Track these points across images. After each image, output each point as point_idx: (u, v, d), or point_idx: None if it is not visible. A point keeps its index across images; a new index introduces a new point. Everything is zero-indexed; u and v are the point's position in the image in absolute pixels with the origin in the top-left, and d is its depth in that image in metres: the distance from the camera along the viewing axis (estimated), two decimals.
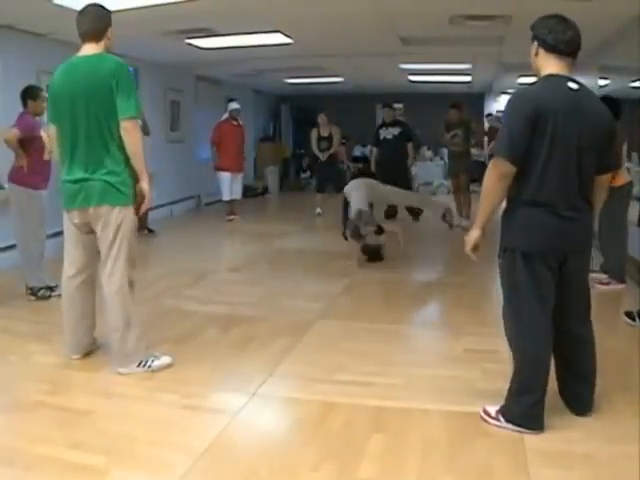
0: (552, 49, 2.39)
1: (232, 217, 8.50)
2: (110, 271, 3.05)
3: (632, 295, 4.53)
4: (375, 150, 8.51)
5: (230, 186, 8.47)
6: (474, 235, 2.51)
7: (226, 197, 8.57)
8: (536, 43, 2.44)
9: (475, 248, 2.54)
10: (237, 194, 8.66)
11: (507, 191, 2.41)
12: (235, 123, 8.55)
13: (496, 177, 2.36)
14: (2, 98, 5.23)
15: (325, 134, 8.83)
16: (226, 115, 8.59)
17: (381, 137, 8.34)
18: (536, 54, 2.45)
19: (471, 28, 5.68)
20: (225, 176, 8.45)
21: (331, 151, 8.84)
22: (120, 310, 3.06)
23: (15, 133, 4.23)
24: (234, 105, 8.59)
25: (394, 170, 8.22)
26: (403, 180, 8.32)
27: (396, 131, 8.22)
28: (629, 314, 3.87)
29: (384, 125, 8.39)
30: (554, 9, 2.49)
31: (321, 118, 8.82)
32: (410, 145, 8.23)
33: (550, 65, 2.41)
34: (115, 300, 3.06)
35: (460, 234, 7.28)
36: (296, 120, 13.73)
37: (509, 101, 2.45)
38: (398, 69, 9.15)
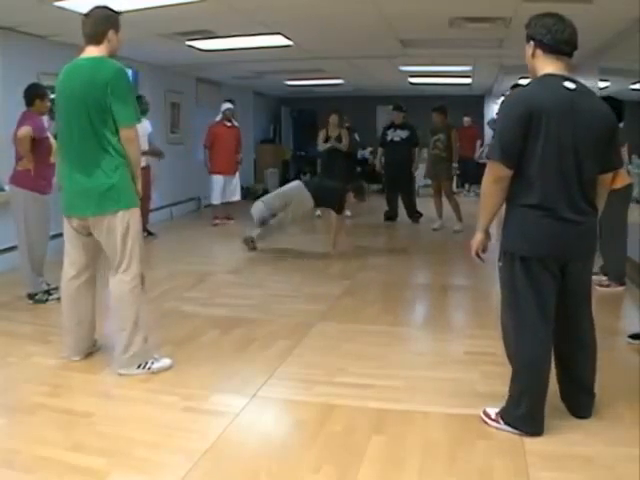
0: (551, 50, 2.30)
1: (218, 222, 8.18)
2: (124, 271, 3.05)
3: (632, 297, 4.53)
4: (380, 150, 8.37)
5: (222, 190, 8.17)
6: (477, 238, 2.50)
7: (215, 201, 8.21)
8: (532, 43, 2.34)
9: (483, 250, 2.53)
10: (236, 196, 8.42)
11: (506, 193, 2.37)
12: (229, 124, 8.14)
13: (492, 180, 2.33)
14: (3, 100, 5.23)
15: (334, 135, 8.28)
16: (219, 116, 8.20)
17: (388, 138, 8.18)
18: (533, 55, 2.36)
19: (471, 30, 5.68)
20: (218, 179, 8.12)
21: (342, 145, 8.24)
22: (130, 310, 3.06)
23: (28, 130, 4.06)
24: (227, 105, 8.18)
25: (399, 173, 8.18)
26: (406, 184, 8.33)
27: (404, 134, 8.08)
28: (634, 336, 3.64)
29: (392, 127, 8.21)
30: (554, 10, 2.46)
31: (332, 118, 8.24)
32: (415, 150, 8.09)
33: (547, 65, 2.32)
34: (127, 300, 3.05)
35: (459, 237, 7.41)
36: (296, 122, 13.74)
37: (502, 103, 2.41)
38: (398, 71, 9.15)
